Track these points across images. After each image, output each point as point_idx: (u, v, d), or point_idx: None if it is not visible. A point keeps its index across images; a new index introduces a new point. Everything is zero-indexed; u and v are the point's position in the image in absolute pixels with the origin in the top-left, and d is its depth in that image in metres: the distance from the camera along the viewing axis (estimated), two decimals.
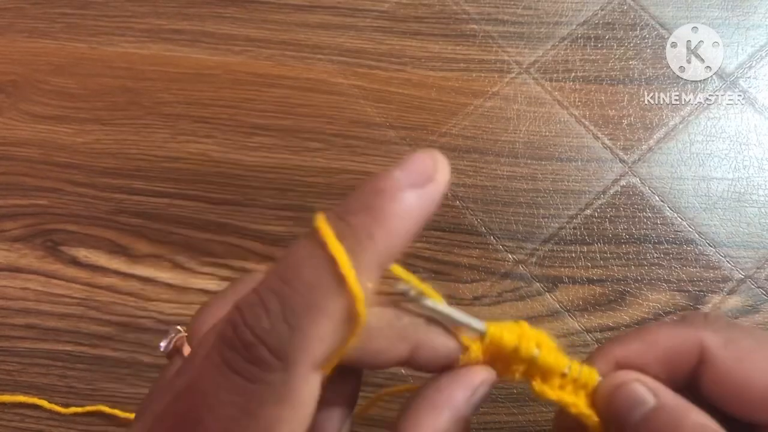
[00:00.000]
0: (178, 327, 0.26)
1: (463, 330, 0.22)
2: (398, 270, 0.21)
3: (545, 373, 0.22)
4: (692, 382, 0.22)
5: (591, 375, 0.22)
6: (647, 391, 0.21)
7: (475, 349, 0.22)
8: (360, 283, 0.17)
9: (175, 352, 0.26)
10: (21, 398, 0.37)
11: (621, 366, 0.22)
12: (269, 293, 0.17)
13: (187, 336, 0.26)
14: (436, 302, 0.21)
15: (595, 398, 0.22)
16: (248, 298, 0.17)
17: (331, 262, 0.17)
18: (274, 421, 0.17)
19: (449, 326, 0.22)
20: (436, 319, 0.22)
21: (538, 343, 0.22)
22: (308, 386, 0.17)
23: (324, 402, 0.21)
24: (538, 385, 0.22)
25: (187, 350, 0.25)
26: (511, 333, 0.22)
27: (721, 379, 0.21)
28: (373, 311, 0.20)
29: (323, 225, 0.17)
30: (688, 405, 0.21)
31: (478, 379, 0.21)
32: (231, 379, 0.17)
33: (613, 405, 0.21)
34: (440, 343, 0.21)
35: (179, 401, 0.19)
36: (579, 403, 0.22)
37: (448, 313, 0.21)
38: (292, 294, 0.17)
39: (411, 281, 0.21)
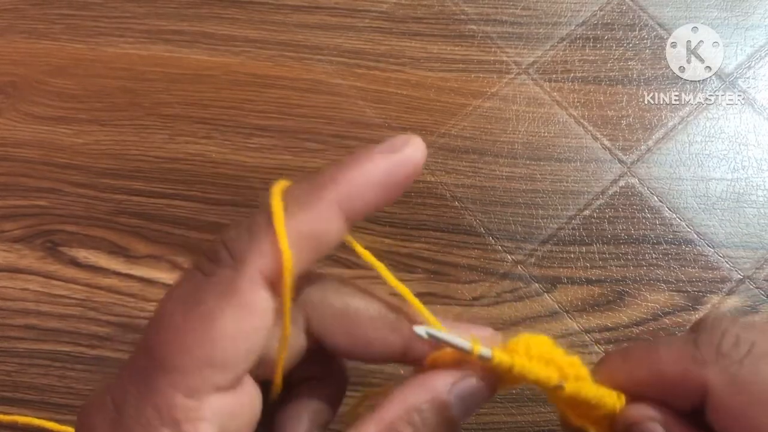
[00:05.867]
0: None
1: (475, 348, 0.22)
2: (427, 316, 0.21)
3: (573, 403, 0.22)
4: (699, 407, 0.21)
5: (619, 400, 0.22)
6: None
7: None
8: (308, 222, 0.19)
9: None
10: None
11: (624, 389, 0.22)
12: (245, 216, 0.19)
13: None
14: (452, 336, 0.21)
15: (614, 425, 0.22)
16: None
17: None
18: (217, 311, 0.18)
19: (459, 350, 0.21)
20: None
21: (561, 368, 0.22)
22: (256, 293, 0.18)
23: (306, 403, 0.23)
24: (561, 411, 0.22)
25: None
26: (531, 361, 0.21)
27: (725, 421, 0.21)
28: (369, 300, 0.22)
29: (277, 188, 0.20)
30: None
31: (463, 371, 0.21)
32: (190, 273, 0.19)
33: None
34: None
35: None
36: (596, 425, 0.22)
37: (463, 346, 0.21)
38: (258, 212, 0.19)
39: (427, 318, 0.21)
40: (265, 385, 0.21)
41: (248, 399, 0.20)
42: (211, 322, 0.18)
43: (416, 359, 0.22)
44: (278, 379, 0.21)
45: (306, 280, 0.21)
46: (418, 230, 0.40)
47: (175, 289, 0.19)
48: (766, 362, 0.20)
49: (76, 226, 0.42)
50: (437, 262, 0.40)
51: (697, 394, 0.21)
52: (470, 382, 0.21)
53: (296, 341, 0.21)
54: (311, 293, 0.22)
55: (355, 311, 0.21)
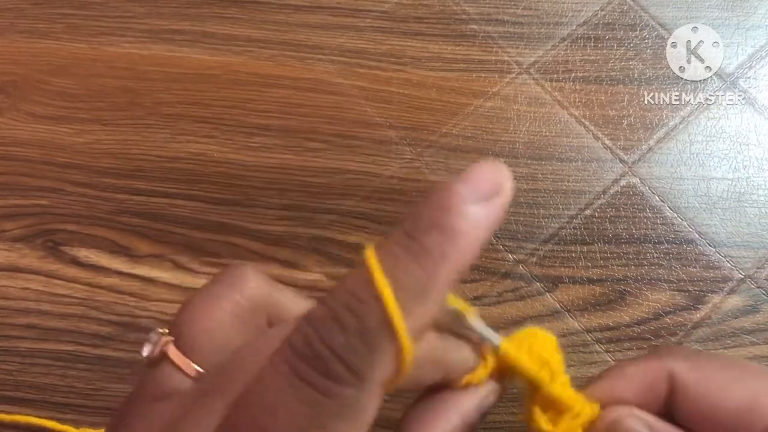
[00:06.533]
0: (160, 330, 0.22)
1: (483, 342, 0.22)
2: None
3: (549, 403, 0.22)
4: (668, 412, 0.22)
5: (593, 411, 0.22)
6: (643, 426, 0.21)
7: (489, 364, 0.22)
8: (421, 316, 0.17)
9: (160, 358, 0.22)
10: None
11: (597, 401, 0.23)
12: (344, 310, 0.17)
13: (174, 340, 0.22)
14: (479, 322, 0.21)
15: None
16: (320, 311, 0.17)
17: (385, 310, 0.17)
18: None
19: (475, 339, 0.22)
20: (462, 335, 0.21)
21: (553, 372, 0.22)
22: (376, 403, 0.17)
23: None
24: (537, 414, 0.22)
25: (175, 354, 0.22)
26: (530, 358, 0.22)
27: (693, 404, 0.21)
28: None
29: (380, 275, 0.17)
30: None
31: (486, 388, 0.22)
32: (303, 391, 0.17)
33: None
34: (467, 363, 0.22)
35: (234, 416, 0.18)
36: None
37: (483, 332, 0.21)
38: (368, 313, 0.17)
39: (454, 301, 0.21)
40: None
41: None
42: None
43: (448, 384, 0.22)
44: None
45: None
46: None
47: (283, 412, 0.17)
48: (714, 355, 0.22)
49: (77, 226, 0.42)
50: None
51: (664, 391, 0.22)
52: (491, 400, 0.22)
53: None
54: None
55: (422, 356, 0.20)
